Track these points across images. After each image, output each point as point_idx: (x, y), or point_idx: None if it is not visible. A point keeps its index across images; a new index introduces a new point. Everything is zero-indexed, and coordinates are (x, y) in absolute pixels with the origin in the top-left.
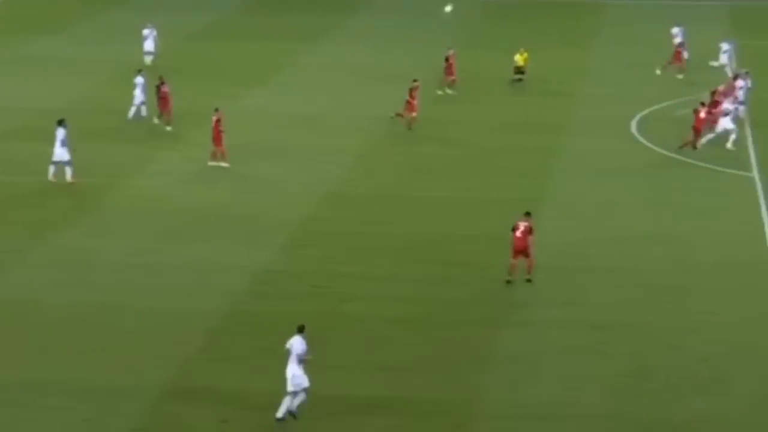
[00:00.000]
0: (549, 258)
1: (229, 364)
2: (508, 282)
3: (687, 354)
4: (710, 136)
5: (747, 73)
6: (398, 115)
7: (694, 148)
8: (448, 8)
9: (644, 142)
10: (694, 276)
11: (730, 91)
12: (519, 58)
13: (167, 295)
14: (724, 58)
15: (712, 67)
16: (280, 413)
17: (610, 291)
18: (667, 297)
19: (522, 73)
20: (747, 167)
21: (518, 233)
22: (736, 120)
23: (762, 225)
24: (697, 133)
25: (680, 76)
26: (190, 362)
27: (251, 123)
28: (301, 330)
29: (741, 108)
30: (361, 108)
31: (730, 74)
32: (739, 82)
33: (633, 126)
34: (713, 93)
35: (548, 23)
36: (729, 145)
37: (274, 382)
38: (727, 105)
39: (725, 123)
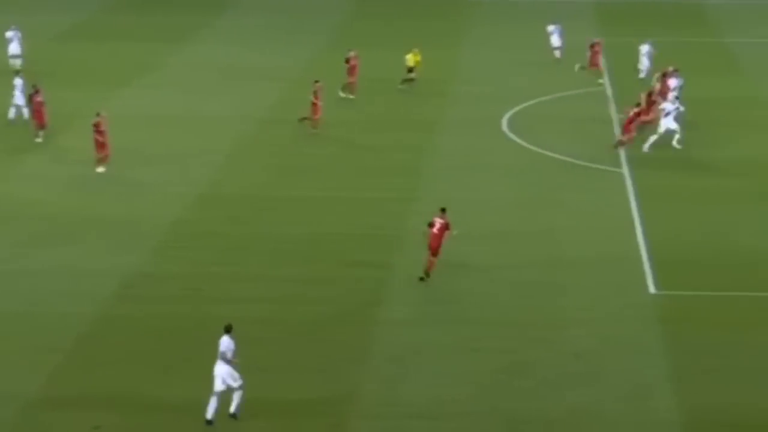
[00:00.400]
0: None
1: (99, 370)
2: (422, 279)
3: (560, 349)
4: (654, 137)
5: (676, 70)
6: (304, 119)
7: (621, 144)
8: None
9: (515, 139)
10: (567, 272)
11: (665, 91)
12: (410, 58)
13: (35, 300)
14: (645, 61)
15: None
16: (209, 414)
17: (484, 288)
18: (540, 293)
19: (411, 72)
20: (617, 163)
21: (435, 230)
22: (679, 119)
23: (632, 220)
24: (627, 131)
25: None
26: (59, 368)
27: (120, 125)
28: (228, 330)
29: (681, 108)
30: (231, 108)
31: (644, 75)
32: (673, 81)
33: (504, 123)
34: (649, 94)
35: (421, 22)
36: (674, 143)
37: (145, 386)
38: (666, 105)
39: (667, 123)
